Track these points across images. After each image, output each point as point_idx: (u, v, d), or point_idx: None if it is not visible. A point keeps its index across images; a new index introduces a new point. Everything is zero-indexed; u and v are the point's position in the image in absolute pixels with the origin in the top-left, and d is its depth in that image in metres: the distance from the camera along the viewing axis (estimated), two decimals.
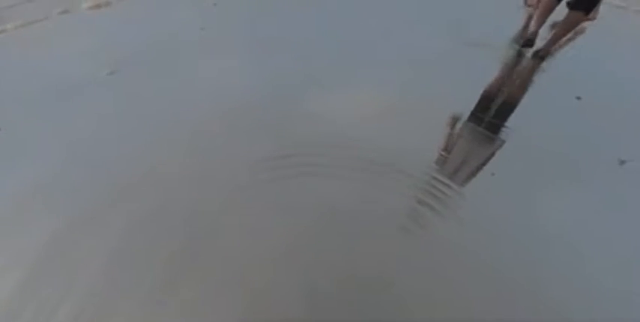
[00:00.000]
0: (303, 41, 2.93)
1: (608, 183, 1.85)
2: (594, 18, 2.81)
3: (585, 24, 2.75)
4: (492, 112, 2.26)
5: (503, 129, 2.13)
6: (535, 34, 2.90)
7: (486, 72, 2.66)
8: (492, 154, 1.96)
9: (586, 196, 1.77)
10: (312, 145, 1.93)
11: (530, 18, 2.95)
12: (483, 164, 1.90)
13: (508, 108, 2.32)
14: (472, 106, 2.30)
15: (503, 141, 2.03)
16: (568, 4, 2.62)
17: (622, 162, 1.94)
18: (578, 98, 2.43)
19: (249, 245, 1.45)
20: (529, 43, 2.91)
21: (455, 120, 2.17)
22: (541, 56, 2.82)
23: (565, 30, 2.71)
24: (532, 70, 2.71)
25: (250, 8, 3.50)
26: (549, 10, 2.78)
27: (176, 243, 1.45)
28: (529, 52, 2.89)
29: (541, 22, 2.85)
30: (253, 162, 1.80)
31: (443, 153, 1.92)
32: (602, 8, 3.04)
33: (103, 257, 1.40)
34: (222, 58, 2.67)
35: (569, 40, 2.89)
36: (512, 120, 2.21)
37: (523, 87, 2.55)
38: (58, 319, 1.22)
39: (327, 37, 3.02)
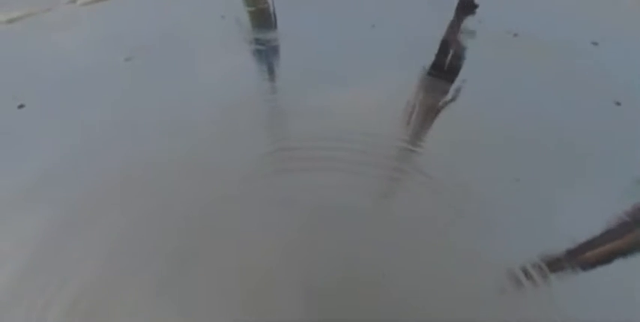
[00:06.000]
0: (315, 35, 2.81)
1: None
2: None
3: None
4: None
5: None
6: None
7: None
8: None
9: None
10: (314, 139, 1.87)
11: None
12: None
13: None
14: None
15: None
16: None
17: None
18: (618, 104, 2.27)
19: (248, 241, 1.42)
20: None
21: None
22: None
23: None
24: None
25: None
26: None
27: (175, 239, 1.41)
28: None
29: None
30: (257, 156, 1.76)
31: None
32: None
33: (102, 250, 1.37)
34: (233, 48, 2.60)
35: None
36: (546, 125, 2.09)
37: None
38: (53, 309, 1.20)
39: (334, 33, 2.90)
